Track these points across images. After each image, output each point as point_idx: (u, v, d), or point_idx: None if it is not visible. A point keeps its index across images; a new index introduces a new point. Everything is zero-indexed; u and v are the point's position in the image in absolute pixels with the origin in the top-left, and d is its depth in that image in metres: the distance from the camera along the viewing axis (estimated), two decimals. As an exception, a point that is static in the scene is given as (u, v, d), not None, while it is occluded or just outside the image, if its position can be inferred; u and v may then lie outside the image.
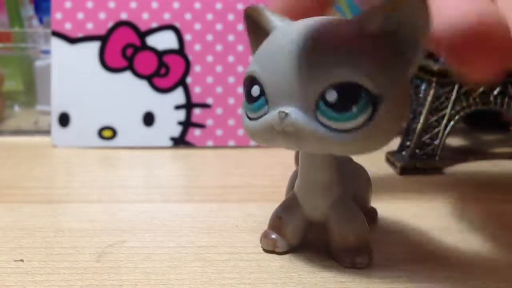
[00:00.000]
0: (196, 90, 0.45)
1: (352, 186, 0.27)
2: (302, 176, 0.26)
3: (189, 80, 0.45)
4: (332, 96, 0.21)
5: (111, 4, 0.44)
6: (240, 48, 0.45)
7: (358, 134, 0.21)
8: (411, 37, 0.21)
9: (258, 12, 0.25)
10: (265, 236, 0.26)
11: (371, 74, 0.21)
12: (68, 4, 0.44)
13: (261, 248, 0.26)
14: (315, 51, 0.22)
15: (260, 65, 0.23)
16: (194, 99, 0.45)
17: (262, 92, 0.23)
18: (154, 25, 0.45)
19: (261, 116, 0.23)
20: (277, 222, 0.26)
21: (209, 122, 0.45)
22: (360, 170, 0.29)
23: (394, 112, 0.22)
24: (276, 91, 0.22)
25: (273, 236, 0.26)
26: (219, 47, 0.45)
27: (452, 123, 0.39)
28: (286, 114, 0.22)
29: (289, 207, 0.26)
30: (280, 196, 0.33)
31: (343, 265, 0.25)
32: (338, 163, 0.25)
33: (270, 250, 0.26)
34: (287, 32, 0.23)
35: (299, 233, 0.26)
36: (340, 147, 0.22)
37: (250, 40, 0.26)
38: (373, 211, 0.30)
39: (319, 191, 0.25)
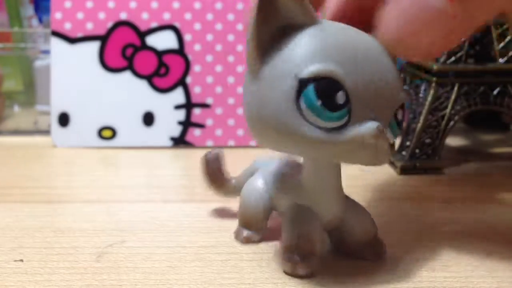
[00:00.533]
0: (196, 90, 0.45)
1: None
2: (314, 185, 0.24)
3: (189, 80, 0.45)
4: (400, 114, 0.23)
5: (111, 4, 0.44)
6: (240, 48, 0.45)
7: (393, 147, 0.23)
8: None
9: None
10: (292, 260, 0.24)
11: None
12: (67, 4, 0.44)
13: (260, 248, 0.26)
14: (391, 67, 0.22)
15: (340, 67, 0.21)
16: (194, 99, 0.45)
17: (348, 101, 0.21)
18: (154, 25, 0.45)
19: (339, 128, 0.21)
20: (302, 241, 0.24)
21: (209, 122, 0.45)
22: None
23: None
24: (363, 103, 0.21)
25: (299, 258, 0.23)
26: (219, 47, 0.45)
27: (452, 123, 0.39)
28: (383, 130, 0.21)
29: (306, 221, 0.24)
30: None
31: (368, 259, 0.25)
32: None
33: (308, 275, 0.24)
34: (358, 36, 0.22)
35: (322, 244, 0.25)
36: (388, 160, 0.23)
37: (258, 26, 0.21)
38: (380, 244, 0.29)
39: (336, 197, 0.24)
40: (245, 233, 0.27)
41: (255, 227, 0.27)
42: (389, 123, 0.22)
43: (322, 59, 0.21)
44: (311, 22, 0.22)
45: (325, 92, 0.20)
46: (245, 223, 0.27)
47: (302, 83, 0.21)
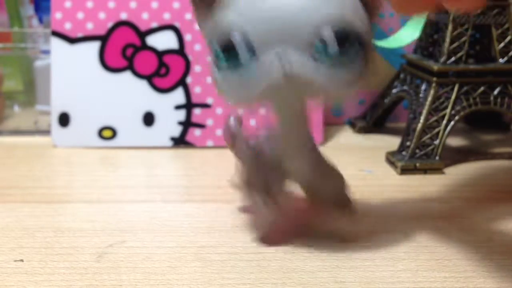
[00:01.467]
0: (196, 90, 0.45)
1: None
2: (281, 140, 0.26)
3: (189, 80, 0.45)
4: (327, 34, 0.22)
5: (111, 4, 0.44)
6: (240, 48, 0.45)
7: (355, 74, 0.23)
8: None
9: None
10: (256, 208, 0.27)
11: (360, 22, 0.23)
12: (68, 4, 0.44)
13: (260, 248, 0.26)
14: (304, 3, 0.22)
15: (236, 12, 0.23)
16: (194, 99, 0.45)
17: (245, 40, 0.22)
18: (154, 25, 0.45)
19: (246, 65, 0.23)
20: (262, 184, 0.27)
21: (209, 122, 0.45)
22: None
23: (369, 55, 0.23)
24: (262, 36, 0.22)
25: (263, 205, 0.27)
26: (219, 47, 0.45)
27: (452, 123, 0.38)
28: (281, 57, 0.22)
29: (272, 175, 0.27)
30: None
31: (336, 218, 0.27)
32: None
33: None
34: None
35: (284, 193, 0.27)
36: (342, 86, 0.23)
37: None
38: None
39: (299, 151, 0.26)
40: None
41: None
42: (314, 47, 0.22)
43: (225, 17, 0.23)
44: None
45: (221, 39, 0.23)
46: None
47: (212, 42, 0.24)
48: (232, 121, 0.31)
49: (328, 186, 0.27)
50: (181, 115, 0.45)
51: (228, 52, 0.23)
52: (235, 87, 0.23)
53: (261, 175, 0.28)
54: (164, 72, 0.45)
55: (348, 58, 0.22)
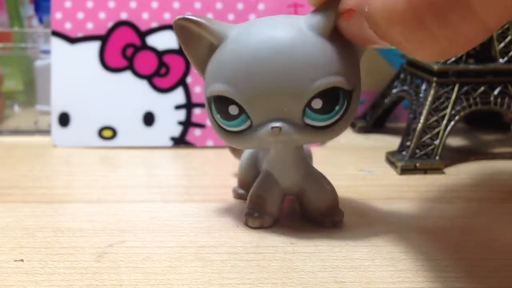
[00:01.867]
0: (196, 90, 0.45)
1: (310, 159, 0.31)
2: (277, 157, 0.28)
3: (189, 80, 0.45)
4: (318, 103, 0.24)
5: (111, 4, 0.44)
6: (240, 48, 0.45)
7: (338, 124, 0.25)
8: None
9: (195, 23, 0.25)
10: (250, 215, 0.28)
11: (345, 75, 0.24)
12: (68, 4, 0.44)
13: (260, 248, 0.26)
14: (293, 65, 0.23)
15: (231, 85, 0.24)
16: (194, 99, 0.45)
17: (241, 110, 0.25)
18: (154, 25, 0.45)
19: (246, 130, 0.25)
20: (259, 200, 0.28)
21: (209, 122, 0.45)
22: (308, 147, 0.32)
23: (358, 97, 0.26)
24: (259, 108, 0.24)
25: (257, 214, 0.28)
26: (219, 47, 0.45)
27: (452, 123, 0.39)
28: (280, 129, 0.24)
29: (267, 185, 0.28)
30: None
31: (326, 226, 0.28)
32: None
33: (257, 227, 0.28)
34: (250, 44, 0.24)
35: (279, 206, 0.29)
36: (323, 139, 0.26)
37: (188, 52, 0.26)
38: (338, 213, 0.30)
39: (293, 167, 0.28)
40: (240, 191, 0.32)
41: (246, 187, 0.31)
42: (304, 114, 0.24)
43: (217, 80, 0.25)
44: (220, 41, 0.25)
45: (220, 107, 0.25)
46: (240, 184, 0.32)
47: (209, 100, 0.26)
48: None
49: (320, 197, 0.28)
50: (181, 115, 0.45)
51: (225, 118, 0.25)
52: (233, 142, 0.26)
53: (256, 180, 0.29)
54: (164, 72, 0.45)
55: (337, 117, 0.25)
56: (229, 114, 0.25)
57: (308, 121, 0.25)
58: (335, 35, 0.24)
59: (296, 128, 0.24)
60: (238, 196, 0.32)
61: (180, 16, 0.25)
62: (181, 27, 0.25)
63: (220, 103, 0.25)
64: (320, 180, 0.28)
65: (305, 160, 0.28)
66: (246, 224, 0.28)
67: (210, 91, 0.25)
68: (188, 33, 0.25)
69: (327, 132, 0.25)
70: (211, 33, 0.25)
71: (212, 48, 0.25)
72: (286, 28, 0.24)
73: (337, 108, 0.24)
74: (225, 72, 0.24)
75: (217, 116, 0.25)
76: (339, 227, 0.28)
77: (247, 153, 0.32)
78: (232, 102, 0.24)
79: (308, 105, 0.24)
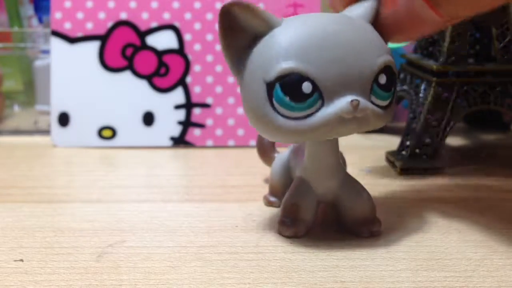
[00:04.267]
0: (196, 89, 0.45)
1: (345, 166, 0.30)
2: (313, 163, 0.27)
3: (189, 79, 0.45)
4: (383, 79, 0.24)
5: (111, 4, 0.44)
6: (240, 47, 0.45)
7: (391, 107, 0.25)
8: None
9: (245, 8, 0.24)
10: (283, 223, 0.27)
11: (392, 57, 0.25)
12: (67, 4, 0.44)
13: (260, 248, 0.26)
14: (359, 42, 0.24)
15: (304, 60, 0.23)
16: (194, 99, 0.45)
17: (315, 87, 0.23)
18: (154, 24, 0.45)
19: (315, 112, 0.24)
20: (294, 208, 0.27)
21: (209, 121, 0.45)
22: (341, 154, 0.31)
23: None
24: (331, 83, 0.23)
25: (291, 223, 0.27)
26: (219, 47, 0.45)
27: (452, 123, 0.38)
28: (358, 102, 0.24)
29: (302, 192, 0.27)
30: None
31: (362, 236, 0.27)
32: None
33: (291, 236, 0.27)
34: (318, 22, 0.24)
35: (314, 214, 0.28)
36: (383, 121, 0.25)
37: (227, 42, 0.25)
38: (376, 223, 0.30)
39: (329, 173, 0.27)
40: (271, 198, 0.31)
41: (278, 195, 0.30)
42: (371, 91, 0.24)
43: (282, 59, 0.23)
44: (272, 27, 0.24)
45: (290, 88, 0.23)
46: (271, 191, 0.31)
47: (270, 85, 0.24)
48: None
49: (356, 206, 0.27)
50: (181, 114, 0.45)
51: (295, 100, 0.23)
52: (296, 131, 0.24)
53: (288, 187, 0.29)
54: (164, 71, 0.45)
55: (392, 98, 0.25)
56: (302, 93, 0.23)
57: (373, 98, 0.24)
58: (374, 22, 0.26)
59: (370, 105, 0.24)
60: (269, 203, 0.31)
61: (230, 1, 0.24)
62: (228, 13, 0.24)
63: (291, 82, 0.23)
64: (357, 188, 0.28)
65: (341, 166, 0.28)
66: (279, 233, 0.27)
67: (278, 72, 0.23)
68: (232, 21, 0.25)
69: (387, 113, 0.25)
70: (263, 19, 0.24)
71: (257, 38, 0.25)
72: (337, 15, 0.26)
73: (393, 89, 0.25)
74: (294, 50, 0.23)
75: (285, 100, 0.23)
76: (377, 237, 0.27)
77: (279, 159, 0.31)
78: (306, 78, 0.23)
79: (376, 80, 0.24)
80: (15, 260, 0.25)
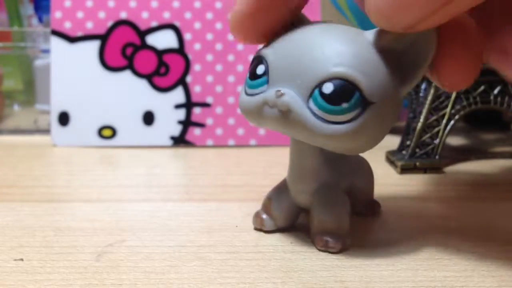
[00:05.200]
0: (196, 89, 0.45)
1: (349, 176, 0.27)
2: (291, 161, 0.27)
3: (189, 79, 0.45)
4: (328, 88, 0.23)
5: (111, 3, 0.44)
6: (240, 47, 0.45)
7: (340, 128, 0.23)
8: (415, 60, 0.23)
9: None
10: (256, 215, 0.28)
11: (369, 81, 0.23)
12: (67, 3, 0.44)
13: (260, 248, 0.26)
14: (324, 44, 0.23)
15: (271, 48, 0.25)
16: (194, 98, 0.45)
17: (266, 72, 0.24)
18: (154, 24, 0.45)
19: (258, 94, 0.25)
20: (267, 202, 0.28)
21: (209, 121, 0.45)
22: (361, 163, 0.29)
23: (378, 121, 0.23)
24: (278, 72, 0.24)
25: (263, 216, 0.28)
26: (219, 46, 0.45)
27: (452, 122, 0.38)
28: (282, 93, 0.24)
29: (279, 189, 0.28)
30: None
31: (317, 248, 0.26)
32: (330, 152, 0.25)
33: (258, 228, 0.28)
34: (306, 26, 0.25)
35: (285, 215, 0.28)
36: (322, 137, 0.23)
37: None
38: (375, 204, 0.30)
39: (304, 176, 0.26)
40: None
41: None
42: (311, 95, 0.23)
43: (269, 45, 0.25)
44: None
45: (251, 65, 0.25)
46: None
47: (251, 61, 0.26)
48: None
49: (321, 217, 0.26)
50: (181, 114, 0.45)
51: (249, 77, 0.25)
52: (241, 106, 0.26)
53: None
54: (164, 71, 0.45)
55: (341, 117, 0.23)
56: (255, 73, 0.25)
57: (312, 105, 0.23)
58: (391, 53, 0.23)
59: (299, 104, 0.23)
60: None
61: None
62: None
63: (253, 62, 0.25)
64: (330, 200, 0.26)
65: (323, 173, 0.26)
66: (326, 250, 0.26)
67: (257, 53, 0.26)
68: None
69: (325, 128, 0.23)
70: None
71: None
72: (344, 27, 0.25)
73: (344, 105, 0.23)
74: (274, 40, 0.25)
75: (246, 78, 0.26)
76: (331, 252, 0.26)
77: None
78: (263, 61, 0.25)
79: (319, 86, 0.23)
80: (15, 260, 0.25)
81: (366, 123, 0.23)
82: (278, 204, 0.27)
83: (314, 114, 0.23)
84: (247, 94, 0.25)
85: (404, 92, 0.24)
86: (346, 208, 0.26)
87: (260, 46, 0.26)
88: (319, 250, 0.26)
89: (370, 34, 0.24)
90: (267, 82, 0.24)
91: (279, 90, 0.24)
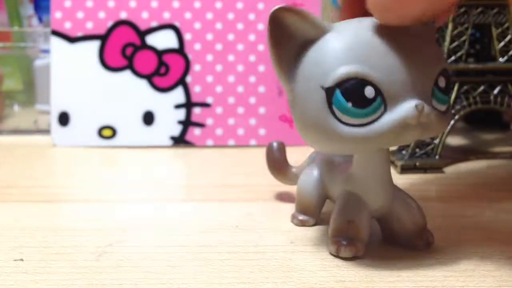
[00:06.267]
0: (196, 89, 0.45)
1: None
2: (365, 174, 0.25)
3: (189, 79, 0.45)
4: (442, 81, 0.23)
5: (111, 3, 0.44)
6: (240, 47, 0.45)
7: (449, 113, 0.24)
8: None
9: (295, 13, 0.23)
10: (339, 244, 0.25)
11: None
12: (67, 3, 0.44)
13: (260, 248, 0.26)
14: (420, 43, 0.23)
15: (365, 63, 0.22)
16: (194, 98, 0.45)
17: (377, 92, 0.22)
18: (154, 24, 0.45)
19: (378, 118, 0.22)
20: (351, 226, 0.25)
21: (209, 121, 0.45)
22: None
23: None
24: (395, 87, 0.22)
25: (348, 242, 0.25)
26: (219, 46, 0.45)
27: (452, 122, 0.38)
28: (423, 106, 0.22)
29: (354, 207, 0.25)
30: (280, 196, 0.33)
31: (418, 248, 0.26)
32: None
33: (352, 256, 0.25)
34: (375, 24, 0.23)
35: (369, 231, 0.26)
36: (446, 126, 0.24)
37: (276, 49, 0.23)
38: None
39: (384, 186, 0.26)
40: (301, 217, 0.29)
41: (309, 213, 0.29)
42: (432, 94, 0.23)
43: (341, 63, 0.22)
44: (323, 33, 0.23)
45: (352, 93, 0.22)
46: (301, 209, 0.29)
47: (329, 92, 0.22)
48: (274, 146, 0.32)
49: (409, 219, 0.26)
50: (181, 114, 0.45)
51: (358, 106, 0.22)
52: (358, 138, 0.22)
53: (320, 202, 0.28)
54: (164, 71, 0.45)
55: (449, 103, 0.24)
56: (365, 98, 0.22)
57: (434, 103, 0.23)
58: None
59: (432, 109, 0.23)
60: (302, 223, 0.29)
61: (278, 6, 0.23)
62: (277, 19, 0.23)
63: (353, 87, 0.22)
64: (407, 199, 0.26)
65: (391, 177, 0.26)
66: (336, 255, 0.25)
67: (338, 76, 0.22)
68: (281, 27, 0.23)
69: (447, 118, 0.24)
70: (314, 23, 0.23)
71: (307, 45, 0.23)
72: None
73: (450, 93, 0.25)
74: (354, 54, 0.22)
75: (346, 106, 0.22)
76: (432, 247, 0.26)
77: (307, 175, 0.29)
78: (368, 82, 0.22)
79: (436, 83, 0.23)
80: (15, 260, 0.25)
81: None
82: (363, 223, 0.25)
83: (438, 110, 0.23)
84: (351, 125, 0.22)
85: None
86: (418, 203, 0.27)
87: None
88: (420, 249, 0.26)
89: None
90: (382, 102, 0.22)
91: (419, 105, 0.22)
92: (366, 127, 0.22)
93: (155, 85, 0.45)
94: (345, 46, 0.22)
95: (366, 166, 0.25)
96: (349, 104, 0.22)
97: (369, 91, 0.22)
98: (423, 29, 0.23)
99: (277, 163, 0.32)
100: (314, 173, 0.29)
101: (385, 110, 0.22)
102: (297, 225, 0.29)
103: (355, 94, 0.22)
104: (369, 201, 0.25)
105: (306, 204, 0.29)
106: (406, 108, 0.22)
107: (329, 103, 0.22)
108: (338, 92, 0.22)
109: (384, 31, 0.23)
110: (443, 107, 0.23)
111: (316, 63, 0.23)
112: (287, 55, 0.23)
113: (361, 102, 0.22)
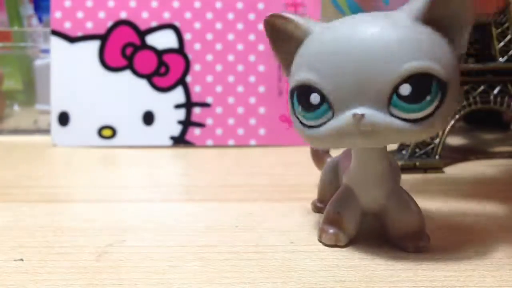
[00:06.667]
0: (196, 89, 0.45)
1: (398, 176, 0.28)
2: (358, 170, 0.26)
3: (189, 79, 0.45)
4: (406, 90, 0.22)
5: (111, 3, 0.44)
6: (240, 47, 0.45)
7: (430, 120, 0.22)
8: (457, 22, 0.23)
9: (284, 19, 0.25)
10: (324, 231, 0.26)
11: (440, 62, 0.22)
12: (67, 3, 0.44)
13: (260, 248, 0.26)
14: (379, 48, 0.22)
15: (315, 72, 0.23)
16: (194, 98, 0.45)
17: (323, 99, 0.23)
18: (154, 24, 0.45)
19: (325, 122, 0.23)
20: (337, 217, 0.26)
21: (209, 121, 0.45)
22: (396, 162, 0.29)
23: (455, 95, 0.23)
24: (341, 95, 0.22)
25: (332, 231, 0.26)
26: (219, 46, 0.45)
27: (452, 122, 0.38)
28: (362, 115, 0.22)
29: (345, 201, 0.26)
30: (280, 196, 0.33)
31: (407, 251, 0.26)
32: (390, 156, 0.26)
33: (332, 244, 0.26)
34: (337, 33, 0.23)
35: (357, 225, 0.26)
36: (414, 135, 0.23)
37: (275, 49, 0.26)
38: None
39: (376, 182, 0.26)
40: (318, 204, 0.30)
41: (326, 201, 0.28)
42: (390, 103, 0.22)
43: (302, 69, 0.24)
44: (306, 34, 0.24)
45: (301, 98, 0.24)
46: (319, 197, 0.30)
47: (292, 93, 0.24)
48: None
49: (403, 219, 0.26)
50: (181, 114, 0.45)
51: (307, 110, 0.24)
52: (310, 138, 0.24)
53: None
54: (164, 71, 0.45)
55: (428, 110, 0.22)
56: (310, 104, 0.23)
57: (395, 111, 0.22)
58: (433, 22, 0.22)
59: (381, 118, 0.22)
60: (317, 209, 0.30)
61: (271, 14, 0.25)
62: (270, 25, 0.25)
63: (302, 92, 0.23)
64: (406, 200, 0.26)
65: (391, 175, 0.26)
66: (319, 240, 0.26)
67: (292, 82, 0.24)
68: (277, 31, 0.25)
69: (416, 127, 0.22)
70: (297, 26, 0.24)
71: (298, 44, 0.25)
72: (374, 15, 0.23)
73: (428, 98, 0.22)
74: (308, 61, 0.23)
75: (298, 109, 0.24)
76: (423, 252, 0.26)
77: (328, 165, 0.30)
78: (314, 89, 0.23)
79: (396, 91, 0.22)
80: (15, 260, 0.25)
81: (449, 101, 0.22)
82: (350, 216, 0.26)
83: (401, 119, 0.22)
84: (308, 126, 0.24)
85: (458, 55, 0.23)
86: (419, 206, 0.26)
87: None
88: (409, 252, 0.25)
89: (402, 14, 0.23)
90: (329, 108, 0.23)
91: (357, 114, 0.22)
92: (315, 129, 0.24)
93: (155, 85, 0.45)
94: (308, 52, 0.24)
95: (359, 163, 0.26)
96: (300, 108, 0.24)
97: (313, 98, 0.23)
98: (409, 26, 0.22)
99: (317, 151, 0.33)
100: (334, 162, 0.30)
101: (332, 115, 0.23)
102: (313, 210, 0.30)
103: (302, 99, 0.24)
104: (360, 196, 0.26)
105: (322, 192, 0.30)
106: (345, 116, 0.23)
107: (292, 103, 0.24)
108: (295, 95, 0.24)
109: (350, 32, 0.23)
110: (412, 115, 0.22)
111: (294, 64, 0.25)
112: (285, 52, 0.25)
113: (308, 107, 0.23)
